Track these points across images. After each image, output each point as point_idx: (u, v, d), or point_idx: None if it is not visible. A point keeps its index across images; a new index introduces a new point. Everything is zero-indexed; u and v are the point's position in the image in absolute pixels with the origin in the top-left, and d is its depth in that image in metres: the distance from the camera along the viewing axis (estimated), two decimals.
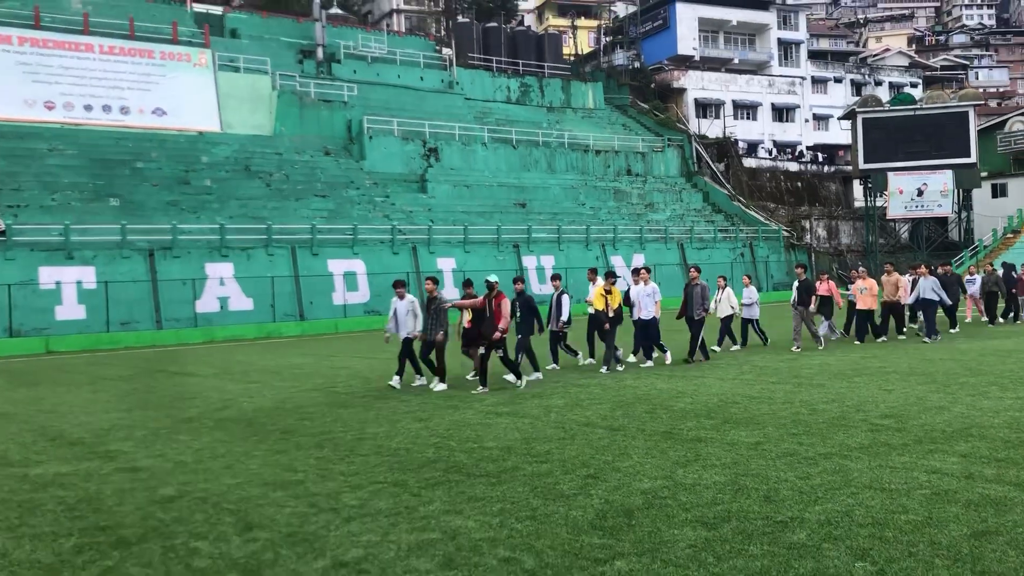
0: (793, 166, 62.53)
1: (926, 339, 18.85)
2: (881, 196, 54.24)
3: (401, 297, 13.95)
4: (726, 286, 18.91)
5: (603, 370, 14.98)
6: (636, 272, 16.49)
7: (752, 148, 63.17)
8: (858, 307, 19.70)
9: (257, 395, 13.97)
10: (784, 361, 15.98)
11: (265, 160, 44.00)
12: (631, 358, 16.74)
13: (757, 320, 19.47)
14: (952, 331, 21.21)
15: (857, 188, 64.20)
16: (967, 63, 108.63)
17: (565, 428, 9.54)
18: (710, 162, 57.48)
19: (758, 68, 67.69)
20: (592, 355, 16.86)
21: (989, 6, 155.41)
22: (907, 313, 21.42)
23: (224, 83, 46.02)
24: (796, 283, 19.00)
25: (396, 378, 13.83)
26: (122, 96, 43.12)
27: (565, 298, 15.72)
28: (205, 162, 42.36)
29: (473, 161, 50.12)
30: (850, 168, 64.89)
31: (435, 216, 43.71)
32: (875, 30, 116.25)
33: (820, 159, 64.63)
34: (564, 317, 15.69)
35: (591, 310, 16.15)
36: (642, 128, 59.80)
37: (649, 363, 15.88)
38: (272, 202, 40.72)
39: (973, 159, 52.37)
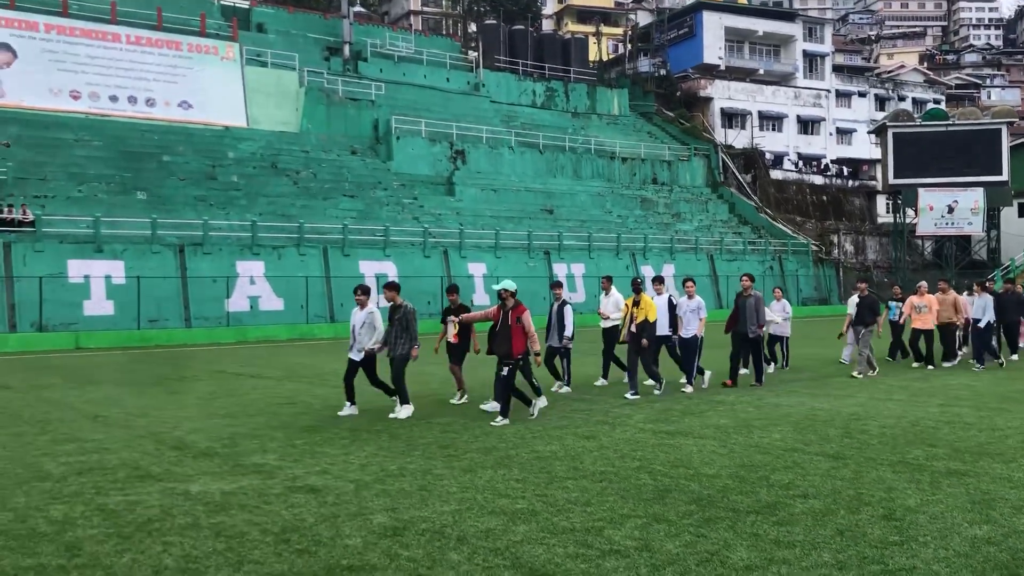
0: (818, 179, 61.81)
1: (977, 366, 17.05)
2: (904, 213, 53.50)
3: (362, 306, 11.53)
4: (782, 298, 17.48)
5: (632, 395, 12.93)
6: (658, 281, 14.51)
7: (778, 160, 62.41)
8: (915, 326, 17.70)
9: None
10: (884, 383, 14.95)
11: (292, 158, 42.94)
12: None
13: (787, 339, 17.59)
14: (1013, 357, 18.94)
15: (881, 204, 63.64)
16: (979, 82, 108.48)
17: (769, 453, 8.55)
18: (736, 173, 56.69)
19: (782, 80, 67.02)
20: (606, 376, 14.91)
21: (996, 26, 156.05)
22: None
23: (251, 78, 44.96)
24: (856, 299, 16.77)
25: (348, 406, 11.65)
26: (148, 88, 42.01)
27: (568, 310, 13.79)
28: (232, 158, 41.27)
29: (500, 165, 49.17)
30: (874, 183, 64.43)
31: (464, 220, 42.71)
32: (887, 47, 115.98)
33: (845, 173, 63.94)
34: (568, 332, 13.63)
35: (604, 324, 14.58)
36: (667, 136, 58.97)
37: (688, 388, 13.79)
38: (300, 200, 39.65)
39: (1005, 177, 51.75)
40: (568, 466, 8.04)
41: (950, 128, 52.32)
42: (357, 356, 11.49)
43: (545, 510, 6.42)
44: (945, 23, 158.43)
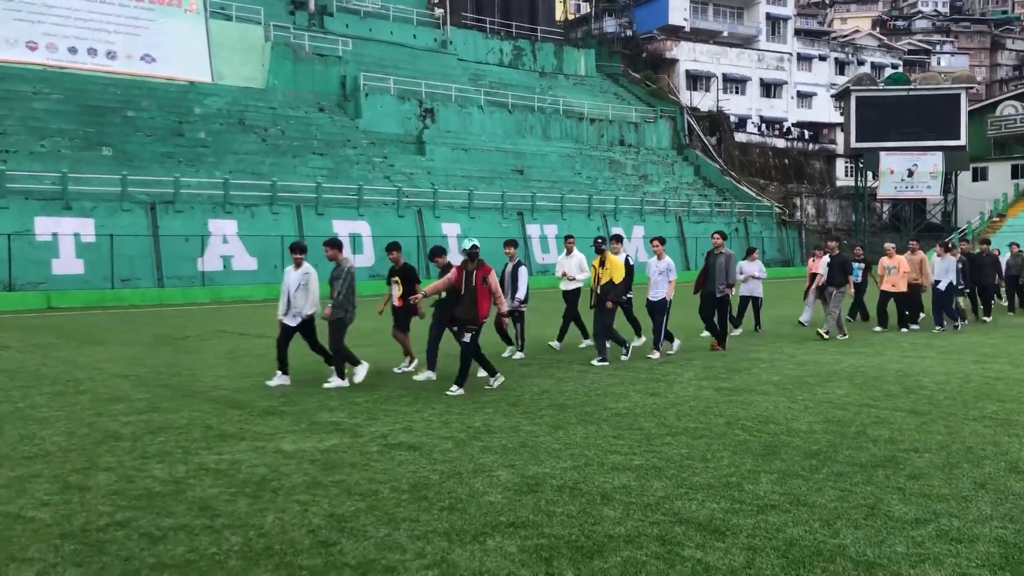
0: (780, 143, 62.38)
1: (939, 326, 16.73)
2: (865, 176, 54.34)
3: (297, 266, 10.51)
4: (756, 258, 17.20)
5: (599, 362, 12.11)
6: (616, 240, 13.67)
7: (741, 123, 62.77)
8: (884, 288, 16.90)
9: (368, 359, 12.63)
10: (893, 342, 15.13)
11: (259, 114, 41.90)
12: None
13: (760, 299, 16.90)
14: (986, 319, 18.96)
15: (840, 167, 64.55)
16: (930, 48, 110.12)
17: (845, 408, 8.61)
18: (702, 135, 56.92)
19: (745, 42, 67.17)
20: (561, 339, 14.02)
21: None
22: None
23: (215, 31, 43.60)
24: (827, 258, 16.01)
25: (278, 376, 10.59)
26: (109, 40, 40.48)
27: (522, 271, 12.79)
28: (198, 113, 40.11)
29: (469, 124, 48.63)
30: (834, 146, 65.28)
31: (436, 180, 42.24)
32: (841, 11, 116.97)
33: (806, 136, 64.61)
34: (520, 294, 12.66)
35: (565, 285, 13.82)
36: (634, 98, 58.85)
37: (654, 354, 12.83)
38: (270, 158, 38.80)
39: (963, 142, 52.81)
40: (655, 423, 8.00)
41: (911, 93, 53.10)
42: (292, 321, 10.51)
43: (667, 466, 6.37)
44: None
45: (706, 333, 14.34)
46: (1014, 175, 58.60)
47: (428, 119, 47.01)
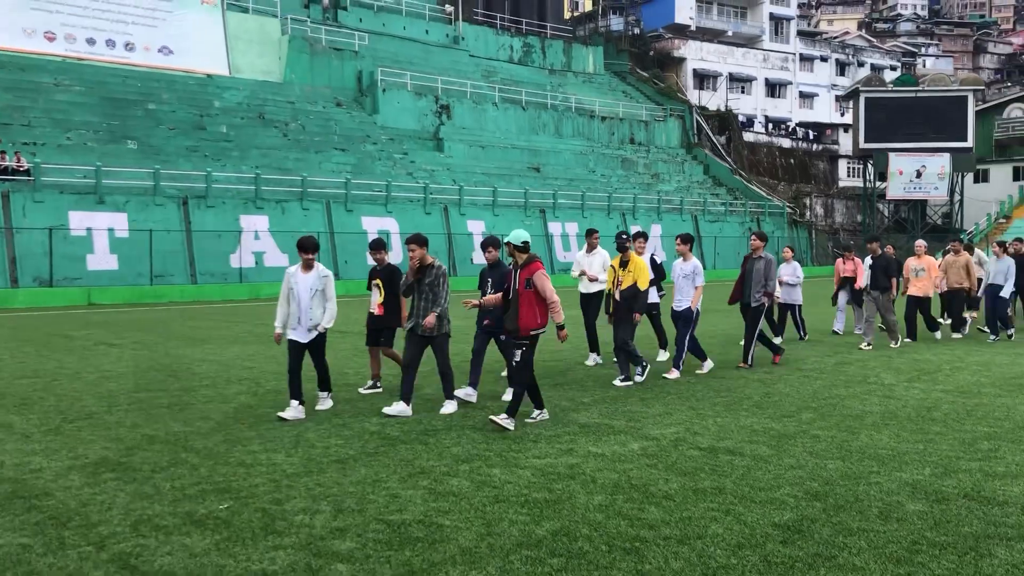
0: (786, 142, 62.77)
1: (992, 336, 15.28)
2: (875, 176, 54.79)
3: (308, 267, 8.61)
4: (792, 259, 15.53)
5: (617, 381, 10.28)
6: (640, 237, 12.01)
7: (748, 122, 63.08)
8: (911, 293, 15.31)
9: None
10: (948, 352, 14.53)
11: (278, 108, 41.43)
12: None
13: (800, 306, 15.42)
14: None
15: (843, 167, 65.05)
16: (915, 51, 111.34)
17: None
18: (711, 134, 57.08)
19: (749, 42, 67.51)
20: (596, 350, 12.24)
21: None
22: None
23: (233, 24, 43.05)
24: (869, 260, 14.79)
25: (294, 405, 8.54)
26: (127, 31, 39.81)
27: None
28: (218, 107, 39.57)
29: (484, 121, 48.41)
30: (836, 147, 65.74)
31: (456, 176, 42.02)
32: (827, 13, 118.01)
33: (810, 136, 65.07)
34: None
35: (585, 288, 12.07)
36: (642, 96, 58.92)
37: (675, 373, 10.88)
38: (293, 153, 38.36)
39: (970, 143, 53.39)
40: (856, 412, 7.89)
41: (919, 94, 53.63)
42: (305, 337, 8.58)
43: (913, 453, 6.26)
44: None
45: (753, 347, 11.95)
46: (1015, 177, 59.41)
47: (444, 115, 46.74)
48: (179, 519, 5.34)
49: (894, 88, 54.44)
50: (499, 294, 8.34)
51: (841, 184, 63.43)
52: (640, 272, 10.36)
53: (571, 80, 57.34)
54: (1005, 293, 15.14)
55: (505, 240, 8.11)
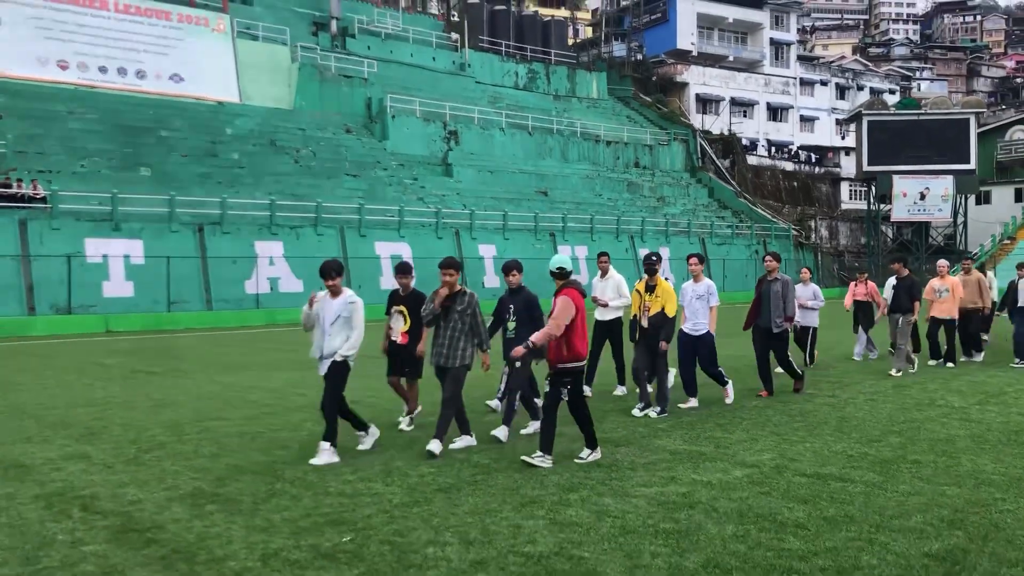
0: (789, 166, 63.08)
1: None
2: (879, 199, 55.00)
3: (335, 293, 7.95)
4: (810, 281, 14.84)
5: (640, 410, 9.92)
6: (657, 260, 10.42)
7: (751, 146, 63.41)
8: (934, 314, 14.71)
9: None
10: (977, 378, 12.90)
11: (289, 136, 41.50)
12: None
13: (815, 330, 14.65)
14: None
15: (845, 190, 65.35)
16: (910, 75, 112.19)
17: None
18: (715, 158, 57.35)
19: (750, 66, 68.02)
20: (623, 381, 11.71)
21: (915, 22, 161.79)
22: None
23: (243, 51, 43.21)
24: (893, 281, 14.13)
25: (370, 431, 8.32)
26: (138, 59, 39.92)
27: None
28: (229, 134, 39.66)
29: (491, 147, 48.59)
30: (838, 170, 66.08)
31: (466, 201, 42.11)
32: (822, 38, 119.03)
33: (812, 160, 65.43)
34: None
35: (601, 315, 11.24)
36: (646, 121, 59.24)
37: (692, 402, 10.36)
38: (305, 179, 38.40)
39: (973, 165, 53.68)
40: (942, 436, 7.85)
41: (922, 117, 53.97)
42: (322, 367, 7.99)
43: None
44: (867, 16, 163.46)
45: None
46: (1017, 198, 59.75)
47: (453, 141, 46.91)
48: (306, 552, 5.26)
49: (896, 111, 54.81)
50: (550, 330, 7.28)
51: (844, 207, 63.68)
52: (668, 298, 9.86)
53: (576, 105, 57.64)
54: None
55: (552, 268, 7.51)
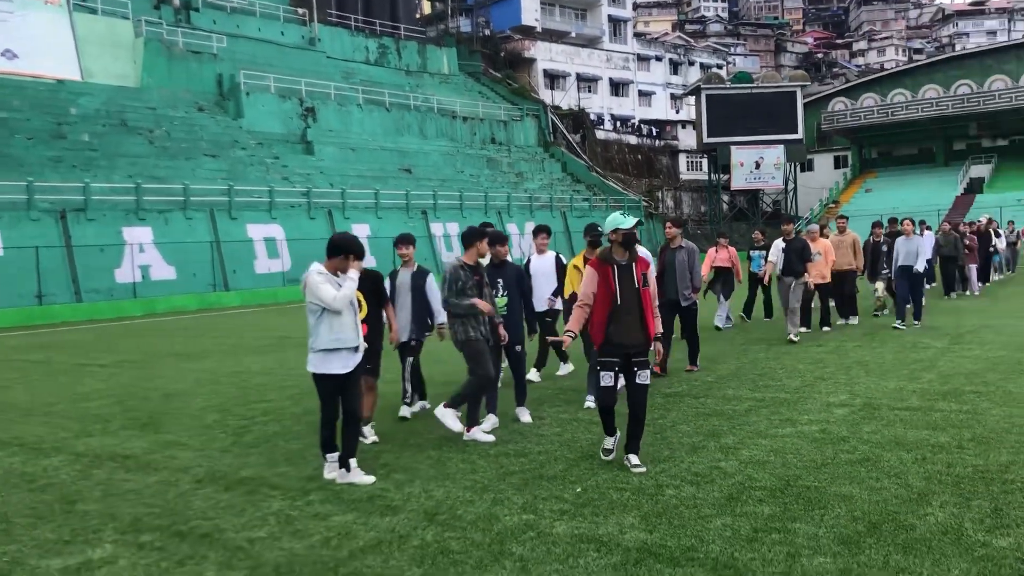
0: (632, 139, 65.43)
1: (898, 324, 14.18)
2: (719, 169, 58.15)
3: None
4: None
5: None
6: (544, 232, 10.48)
7: (598, 121, 65.25)
8: (809, 279, 13.56)
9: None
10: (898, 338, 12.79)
11: (139, 115, 39.17)
12: (532, 374, 10.38)
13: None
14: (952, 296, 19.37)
15: (683, 161, 68.60)
16: (726, 50, 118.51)
17: None
18: (566, 133, 58.74)
19: (591, 42, 69.77)
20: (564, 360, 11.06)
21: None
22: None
23: (81, 26, 40.26)
24: (782, 243, 13.64)
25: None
26: None
27: (431, 282, 8.56)
28: (75, 114, 37.00)
29: (350, 123, 47.77)
30: (676, 142, 69.23)
31: (332, 180, 41.30)
32: (643, 14, 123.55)
33: (653, 133, 68.15)
34: (440, 319, 8.36)
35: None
36: (498, 97, 59.78)
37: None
38: (163, 161, 36.47)
39: (800, 135, 57.72)
40: (963, 371, 8.83)
41: (754, 91, 57.45)
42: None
43: None
44: None
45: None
46: (836, 165, 64.76)
47: (310, 118, 45.77)
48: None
49: (732, 85, 58.06)
50: (578, 306, 6.41)
51: (683, 177, 66.86)
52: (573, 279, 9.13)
53: (428, 81, 57.41)
54: (919, 267, 14.28)
55: (622, 225, 6.24)
